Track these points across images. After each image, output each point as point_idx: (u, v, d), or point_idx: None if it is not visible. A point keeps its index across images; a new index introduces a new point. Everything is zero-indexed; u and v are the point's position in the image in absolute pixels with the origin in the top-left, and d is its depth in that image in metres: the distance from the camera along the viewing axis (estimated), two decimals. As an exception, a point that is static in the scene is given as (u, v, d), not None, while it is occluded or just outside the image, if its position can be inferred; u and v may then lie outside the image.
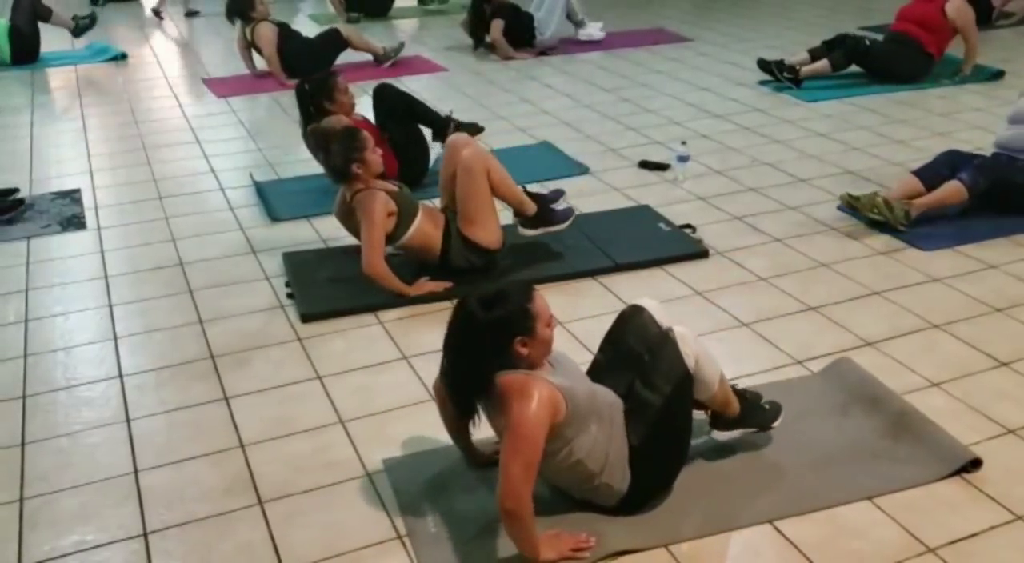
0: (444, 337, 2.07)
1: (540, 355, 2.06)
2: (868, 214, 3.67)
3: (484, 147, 3.60)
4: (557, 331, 3.02)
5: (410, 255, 3.35)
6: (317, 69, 6.20)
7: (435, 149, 4.37)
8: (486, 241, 3.34)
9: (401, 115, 4.31)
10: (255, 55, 6.38)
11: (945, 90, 5.64)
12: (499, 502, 1.94)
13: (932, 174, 3.78)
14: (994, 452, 2.36)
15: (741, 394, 2.38)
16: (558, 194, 3.65)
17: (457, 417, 2.17)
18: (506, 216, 3.52)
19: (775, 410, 2.41)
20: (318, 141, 3.31)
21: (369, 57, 6.62)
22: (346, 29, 6.53)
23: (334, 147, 3.21)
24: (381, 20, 8.28)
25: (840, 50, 5.66)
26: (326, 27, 6.62)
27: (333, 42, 6.36)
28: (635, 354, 2.23)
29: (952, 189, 3.67)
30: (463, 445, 2.35)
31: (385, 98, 4.33)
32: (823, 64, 5.67)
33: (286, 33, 6.25)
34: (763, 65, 5.87)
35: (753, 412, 2.37)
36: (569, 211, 3.55)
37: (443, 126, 4.43)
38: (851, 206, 3.72)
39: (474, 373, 2.03)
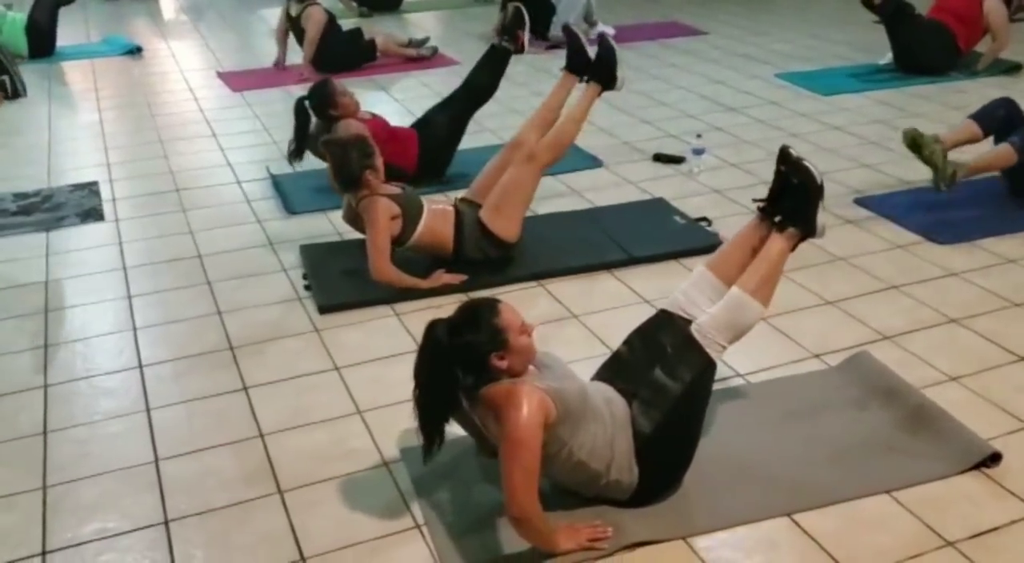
0: (415, 367, 2.08)
1: (522, 362, 2.07)
2: (923, 154, 3.64)
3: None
4: (574, 324, 3.09)
5: (422, 252, 3.36)
6: (345, 67, 6.23)
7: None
8: (506, 233, 3.35)
9: (466, 98, 4.27)
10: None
11: (962, 84, 5.60)
12: (506, 511, 1.96)
13: (989, 118, 3.80)
14: (1014, 446, 2.35)
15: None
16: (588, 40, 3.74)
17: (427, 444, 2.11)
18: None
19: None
20: (334, 151, 3.29)
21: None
22: (383, 42, 6.56)
23: (353, 154, 3.20)
24: (392, 14, 8.27)
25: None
26: (354, 27, 6.60)
27: (366, 49, 6.47)
28: (660, 347, 2.27)
29: (1002, 152, 3.67)
30: (475, 434, 2.36)
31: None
32: None
33: (332, 23, 6.31)
34: None
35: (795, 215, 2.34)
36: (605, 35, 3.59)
37: None
38: (915, 142, 3.68)
39: (447, 398, 2.07)
